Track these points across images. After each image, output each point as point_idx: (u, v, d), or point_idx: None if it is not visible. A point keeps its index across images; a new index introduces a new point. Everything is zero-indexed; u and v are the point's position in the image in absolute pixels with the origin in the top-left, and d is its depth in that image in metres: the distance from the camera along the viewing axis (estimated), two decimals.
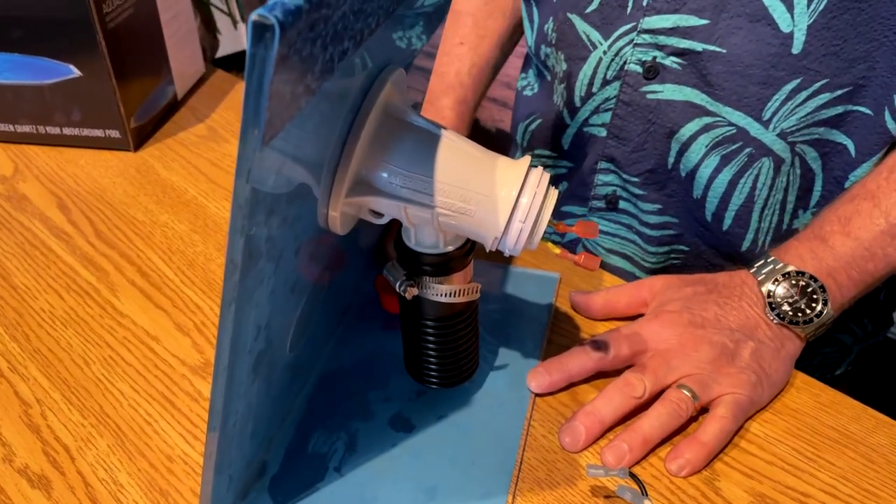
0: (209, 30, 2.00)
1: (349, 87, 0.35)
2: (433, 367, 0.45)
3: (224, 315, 0.29)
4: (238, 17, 2.05)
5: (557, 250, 0.40)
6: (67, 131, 0.74)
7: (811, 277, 0.48)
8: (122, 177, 0.71)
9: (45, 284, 0.57)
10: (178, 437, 0.46)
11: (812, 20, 0.51)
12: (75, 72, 0.70)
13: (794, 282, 0.48)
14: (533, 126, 0.72)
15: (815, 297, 0.48)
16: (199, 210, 0.66)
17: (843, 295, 0.49)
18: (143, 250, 0.61)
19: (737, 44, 0.54)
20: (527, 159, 0.38)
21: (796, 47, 0.52)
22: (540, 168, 0.38)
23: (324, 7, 0.24)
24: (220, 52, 2.25)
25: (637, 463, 0.44)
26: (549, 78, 0.69)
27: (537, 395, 0.48)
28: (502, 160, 0.38)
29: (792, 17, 0.52)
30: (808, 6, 0.51)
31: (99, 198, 0.67)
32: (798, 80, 0.54)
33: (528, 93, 0.74)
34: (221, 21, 2.09)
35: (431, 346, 0.44)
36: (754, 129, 0.56)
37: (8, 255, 0.60)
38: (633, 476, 0.41)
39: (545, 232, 0.38)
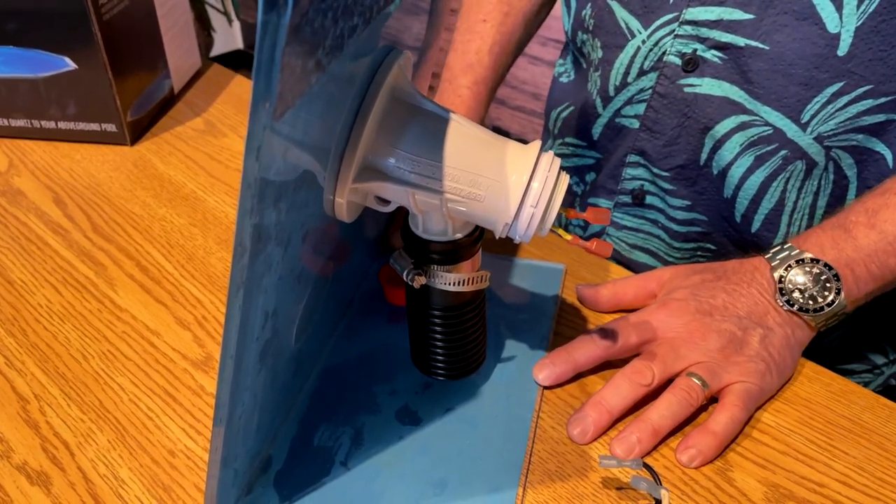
0: (203, 27, 1.98)
1: (356, 69, 0.34)
2: (440, 358, 0.44)
3: (232, 301, 0.28)
4: (233, 16, 2.03)
5: (569, 237, 0.39)
6: (63, 125, 0.72)
7: (826, 266, 0.47)
8: (119, 171, 0.70)
9: (41, 279, 0.56)
10: (179, 432, 0.45)
11: (861, 22, 0.50)
12: (71, 65, 0.69)
13: (807, 269, 0.47)
14: (565, 114, 0.70)
15: (828, 285, 0.47)
16: (197, 204, 0.65)
17: (860, 288, 0.48)
18: (141, 244, 0.60)
19: (781, 41, 0.52)
20: (537, 143, 0.37)
21: (842, 49, 0.51)
22: (550, 153, 0.37)
23: None
24: (215, 51, 2.23)
25: (648, 454, 0.44)
26: (584, 66, 0.67)
27: (545, 387, 0.48)
28: (512, 144, 0.37)
29: (840, 17, 0.50)
30: (858, 7, 0.49)
31: (95, 192, 0.66)
32: (841, 84, 0.52)
33: (564, 80, 0.72)
34: (216, 19, 2.07)
35: (439, 336, 0.43)
36: (791, 130, 0.55)
37: (3, 249, 0.59)
38: (646, 466, 0.40)
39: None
